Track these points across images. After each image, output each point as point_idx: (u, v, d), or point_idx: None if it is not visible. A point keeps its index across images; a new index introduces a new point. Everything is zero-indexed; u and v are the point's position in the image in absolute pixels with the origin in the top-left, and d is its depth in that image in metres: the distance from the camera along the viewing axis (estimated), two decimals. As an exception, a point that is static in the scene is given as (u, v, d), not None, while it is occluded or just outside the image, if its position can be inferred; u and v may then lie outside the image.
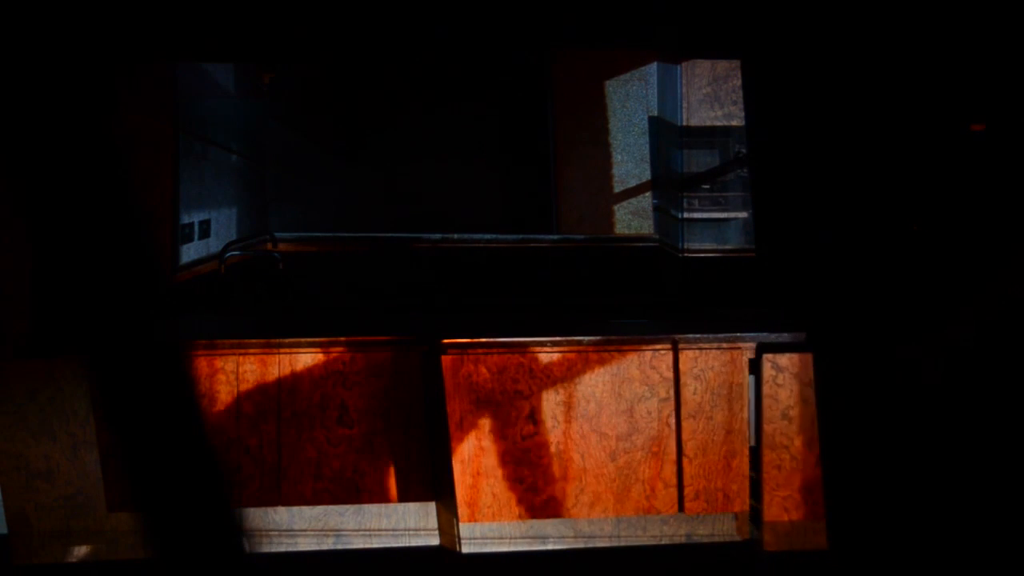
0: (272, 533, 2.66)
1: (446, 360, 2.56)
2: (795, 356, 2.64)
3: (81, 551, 2.58)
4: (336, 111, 3.48)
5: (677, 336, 2.64)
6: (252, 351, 2.58)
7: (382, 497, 2.62)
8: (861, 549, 2.58)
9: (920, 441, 2.64)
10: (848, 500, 2.63)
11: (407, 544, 2.68)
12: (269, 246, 3.31)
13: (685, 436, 2.63)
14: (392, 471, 2.63)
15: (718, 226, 3.47)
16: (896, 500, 2.63)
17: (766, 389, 2.63)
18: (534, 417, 2.58)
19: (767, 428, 2.63)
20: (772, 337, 2.66)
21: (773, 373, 2.64)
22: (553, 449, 2.59)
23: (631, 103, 3.53)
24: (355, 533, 2.67)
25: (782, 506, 2.64)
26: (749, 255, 3.31)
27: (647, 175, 3.52)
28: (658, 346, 2.62)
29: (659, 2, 3.04)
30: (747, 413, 2.65)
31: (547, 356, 2.59)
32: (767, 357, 2.63)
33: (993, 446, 2.61)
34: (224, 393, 2.58)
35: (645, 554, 2.63)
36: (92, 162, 2.56)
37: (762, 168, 2.86)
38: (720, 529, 2.70)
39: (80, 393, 2.53)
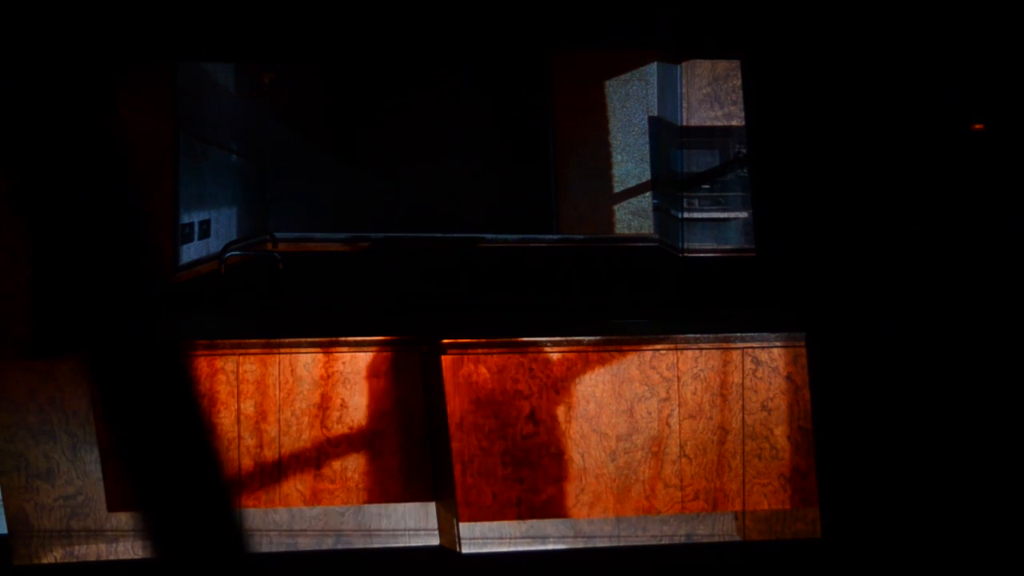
0: (272, 533, 2.66)
1: (446, 360, 2.56)
2: (774, 350, 2.65)
3: (81, 551, 2.58)
4: (336, 111, 3.48)
5: (677, 336, 2.64)
6: (252, 351, 2.58)
7: (382, 497, 2.62)
8: (854, 537, 2.58)
9: (913, 435, 2.65)
10: (842, 491, 2.63)
11: (407, 544, 2.68)
12: (269, 246, 3.31)
13: (685, 436, 2.63)
14: (392, 471, 2.63)
15: (718, 226, 3.47)
16: (889, 492, 2.64)
17: (746, 382, 2.64)
18: (534, 417, 2.58)
19: (748, 419, 2.63)
20: (772, 337, 2.66)
21: (752, 366, 2.64)
22: (553, 449, 2.59)
23: (631, 103, 3.53)
24: (355, 533, 2.67)
25: (762, 493, 2.64)
26: (749, 255, 3.31)
27: (647, 175, 3.53)
28: (658, 346, 2.62)
29: (659, 2, 3.04)
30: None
31: (547, 356, 2.59)
32: (746, 351, 2.64)
33: (985, 441, 2.61)
34: (224, 393, 2.58)
35: (645, 554, 2.63)
36: (92, 162, 2.57)
37: (762, 168, 2.86)
38: (720, 529, 2.70)
39: (80, 393, 2.53)
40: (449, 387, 2.55)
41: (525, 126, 3.51)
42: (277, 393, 2.59)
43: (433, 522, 2.69)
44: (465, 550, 2.63)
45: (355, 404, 2.61)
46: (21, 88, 2.47)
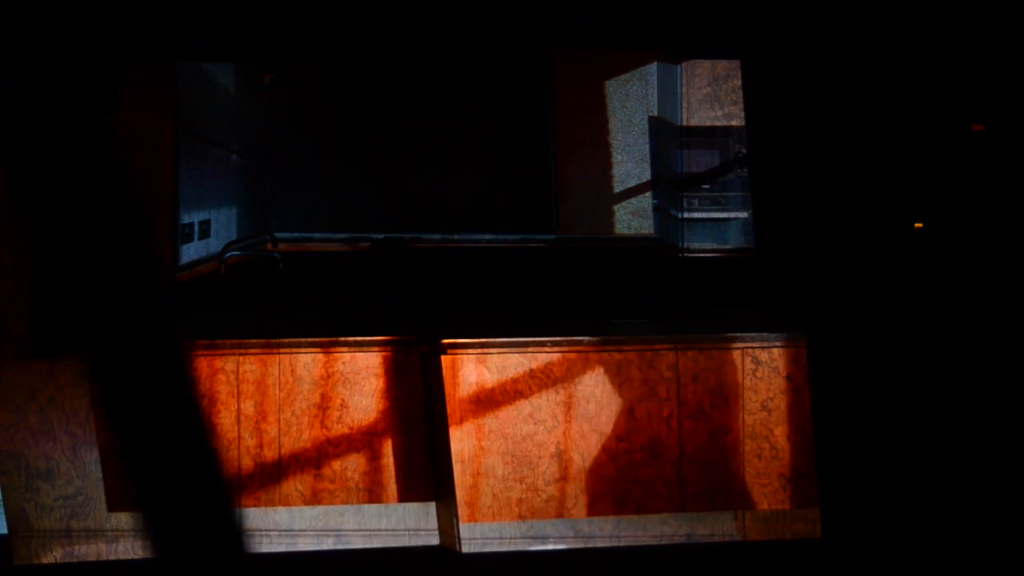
0: (272, 533, 2.66)
1: (446, 360, 2.56)
2: (774, 350, 2.65)
3: (81, 551, 2.58)
4: (336, 111, 3.48)
5: (677, 336, 2.64)
6: (252, 351, 2.58)
7: (382, 497, 2.62)
8: (854, 537, 2.58)
9: (912, 435, 2.65)
10: (842, 491, 2.63)
11: (407, 544, 2.68)
12: (269, 246, 3.31)
13: (685, 436, 2.63)
14: (392, 471, 2.63)
15: (718, 226, 3.47)
16: (888, 492, 2.64)
17: (746, 382, 2.64)
18: (534, 417, 2.58)
19: (748, 419, 2.63)
20: (772, 337, 2.66)
21: (752, 367, 2.64)
22: (553, 449, 2.59)
23: (631, 103, 3.53)
24: (355, 533, 2.67)
25: (762, 493, 2.64)
26: (749, 255, 3.31)
27: (647, 175, 3.52)
28: (658, 346, 2.62)
29: (659, 2, 3.04)
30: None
31: (547, 356, 2.59)
32: (747, 351, 2.64)
33: (985, 441, 2.61)
34: (224, 393, 2.58)
35: (645, 554, 2.63)
36: (92, 162, 2.57)
37: (762, 168, 2.86)
38: (720, 529, 2.70)
39: (80, 393, 2.53)
40: (449, 387, 2.55)
41: (525, 126, 3.51)
42: (277, 393, 2.59)
43: (433, 522, 2.69)
44: (465, 550, 2.63)
45: (355, 404, 2.61)
46: (22, 88, 2.47)
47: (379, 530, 2.68)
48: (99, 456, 2.54)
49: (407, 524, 2.69)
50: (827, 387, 2.68)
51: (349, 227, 3.40)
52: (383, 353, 2.62)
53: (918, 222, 2.72)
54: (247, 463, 2.58)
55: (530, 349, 2.58)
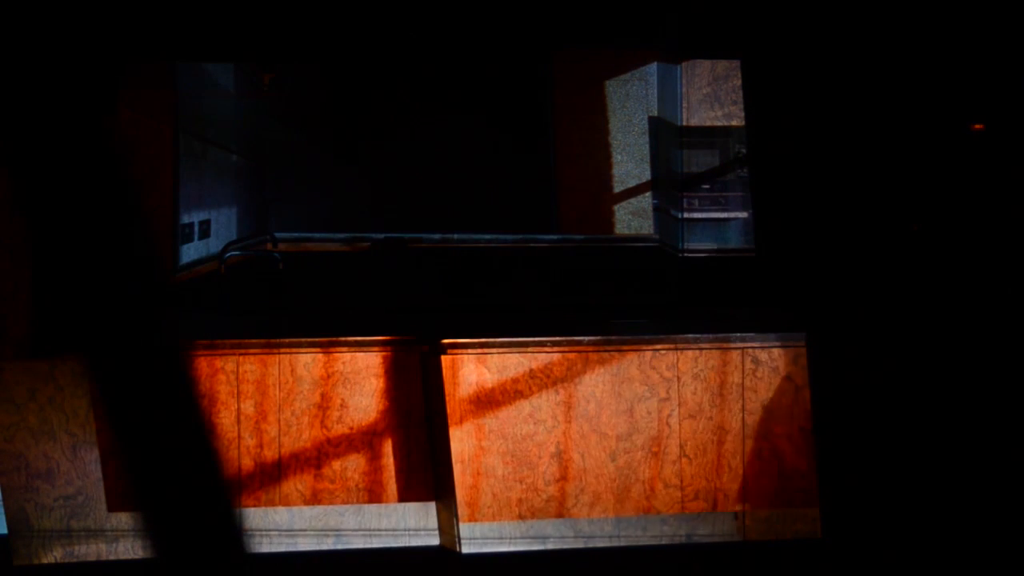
0: (272, 533, 2.66)
1: (446, 360, 2.56)
2: (774, 350, 2.65)
3: (81, 551, 2.58)
4: (336, 111, 3.48)
5: (677, 336, 2.64)
6: (252, 351, 2.58)
7: (382, 497, 2.62)
8: (854, 537, 2.58)
9: (913, 435, 2.65)
10: (842, 491, 2.63)
11: (407, 544, 2.68)
12: (269, 246, 3.31)
13: (685, 436, 2.63)
14: (392, 471, 2.63)
15: (718, 226, 3.47)
16: (889, 491, 2.63)
17: (746, 382, 2.64)
18: (534, 417, 2.58)
19: (748, 419, 2.64)
20: (772, 337, 2.66)
21: (752, 366, 2.64)
22: (553, 449, 2.59)
23: (631, 103, 3.53)
24: (355, 533, 2.67)
25: (762, 493, 2.64)
26: (749, 255, 3.31)
27: (647, 175, 3.53)
28: (658, 346, 2.62)
29: (659, 2, 3.04)
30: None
31: (547, 356, 2.59)
32: (747, 351, 2.64)
33: (985, 440, 2.61)
34: (224, 393, 2.58)
35: (645, 554, 2.63)
36: (92, 162, 2.57)
37: (762, 168, 2.86)
38: (720, 529, 2.70)
39: (80, 393, 2.53)
40: (449, 387, 2.55)
41: (525, 126, 3.51)
42: (277, 393, 2.59)
43: (433, 522, 2.69)
44: (465, 550, 2.63)
45: (355, 404, 2.61)
46: (22, 88, 2.47)
47: (379, 530, 2.68)
48: (99, 456, 2.54)
49: (407, 524, 2.69)
50: (827, 387, 2.68)
51: (349, 227, 3.40)
52: (383, 353, 2.62)
53: (916, 224, 2.72)
54: (247, 463, 2.58)
55: (530, 349, 2.58)
